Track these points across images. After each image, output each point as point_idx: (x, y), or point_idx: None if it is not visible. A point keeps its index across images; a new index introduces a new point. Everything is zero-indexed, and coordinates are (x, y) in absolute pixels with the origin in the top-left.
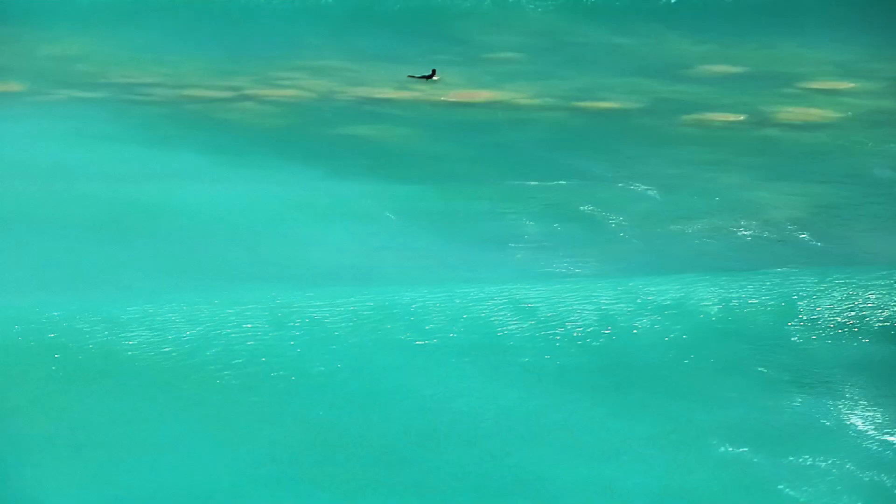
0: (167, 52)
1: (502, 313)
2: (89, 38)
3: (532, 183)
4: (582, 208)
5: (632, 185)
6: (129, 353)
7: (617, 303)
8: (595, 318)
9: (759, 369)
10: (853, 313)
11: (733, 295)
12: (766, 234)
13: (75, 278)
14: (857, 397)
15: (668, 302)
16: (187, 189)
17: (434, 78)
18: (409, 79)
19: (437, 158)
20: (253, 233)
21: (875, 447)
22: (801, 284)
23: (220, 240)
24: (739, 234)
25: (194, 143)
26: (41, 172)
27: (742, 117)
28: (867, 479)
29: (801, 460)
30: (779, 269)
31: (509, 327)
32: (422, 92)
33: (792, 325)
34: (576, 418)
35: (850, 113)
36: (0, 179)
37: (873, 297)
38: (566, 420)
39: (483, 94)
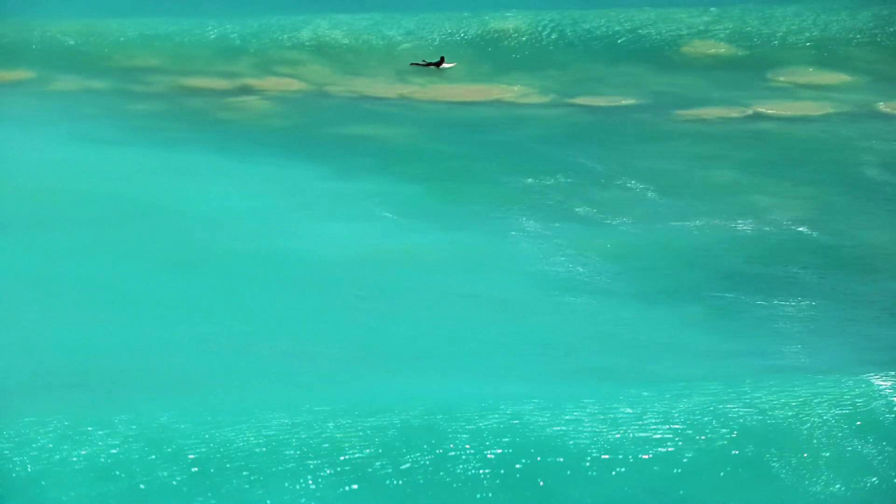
0: (169, 35)
1: None
2: (93, 18)
3: (529, 180)
4: (582, 204)
5: (630, 180)
6: None
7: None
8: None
9: None
10: None
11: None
12: (767, 228)
13: None
14: None
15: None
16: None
17: (444, 66)
18: (412, 67)
19: (438, 155)
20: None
21: None
22: None
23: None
24: (738, 227)
25: (200, 144)
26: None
27: (735, 112)
28: None
29: None
30: None
31: None
32: (421, 88)
33: None
34: None
35: (837, 109)
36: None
37: None
38: None
39: (482, 92)
